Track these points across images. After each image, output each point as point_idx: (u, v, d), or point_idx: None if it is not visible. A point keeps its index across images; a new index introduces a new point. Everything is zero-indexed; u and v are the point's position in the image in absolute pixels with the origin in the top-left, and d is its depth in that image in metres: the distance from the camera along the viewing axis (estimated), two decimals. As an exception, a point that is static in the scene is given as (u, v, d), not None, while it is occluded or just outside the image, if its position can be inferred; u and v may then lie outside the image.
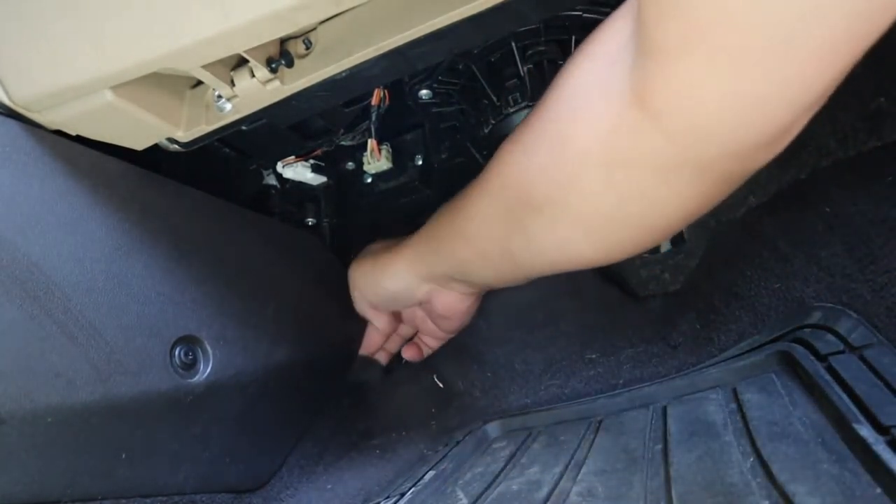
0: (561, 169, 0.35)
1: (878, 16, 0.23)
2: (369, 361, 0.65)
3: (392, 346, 0.65)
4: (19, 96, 0.34)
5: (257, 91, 0.37)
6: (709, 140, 0.30)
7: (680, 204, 0.34)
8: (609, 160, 0.33)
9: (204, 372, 0.43)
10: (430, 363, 0.64)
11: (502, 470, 0.40)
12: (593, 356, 0.54)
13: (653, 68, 0.29)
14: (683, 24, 0.26)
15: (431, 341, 0.64)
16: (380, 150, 0.56)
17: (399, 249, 0.54)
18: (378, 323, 0.61)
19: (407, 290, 0.55)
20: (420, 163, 0.60)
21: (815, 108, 0.29)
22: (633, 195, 0.33)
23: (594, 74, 0.33)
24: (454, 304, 0.55)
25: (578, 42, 0.49)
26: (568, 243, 0.38)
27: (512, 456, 0.42)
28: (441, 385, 0.61)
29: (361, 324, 0.63)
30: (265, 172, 0.59)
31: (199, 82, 0.40)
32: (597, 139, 0.33)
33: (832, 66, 0.25)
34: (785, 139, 0.31)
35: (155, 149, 0.41)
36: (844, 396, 0.30)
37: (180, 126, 0.39)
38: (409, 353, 0.64)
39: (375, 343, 0.64)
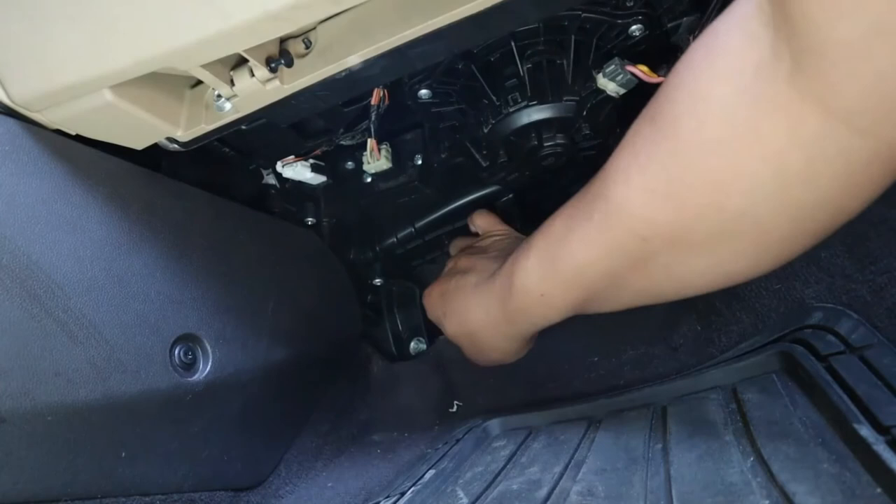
0: (723, 210, 0.31)
1: None
2: None
3: None
4: (19, 95, 0.34)
5: (257, 91, 0.37)
6: None
7: (861, 199, 0.30)
8: (784, 184, 0.29)
9: (203, 371, 0.43)
10: (432, 362, 0.64)
11: (502, 469, 0.40)
12: (595, 359, 0.54)
13: (831, 68, 0.25)
14: (866, 19, 0.23)
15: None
16: (379, 150, 0.56)
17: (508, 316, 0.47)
18: None
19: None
20: (420, 162, 0.60)
21: None
22: (811, 208, 0.30)
23: (739, 93, 0.29)
24: None
25: (577, 42, 0.49)
26: (730, 273, 0.35)
27: (512, 455, 0.42)
28: (444, 385, 0.61)
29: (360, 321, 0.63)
30: (265, 172, 0.59)
31: (199, 82, 0.39)
32: (768, 165, 0.29)
33: None
34: None
35: (155, 148, 0.41)
36: (844, 396, 0.30)
37: (180, 126, 0.39)
38: None
39: None
